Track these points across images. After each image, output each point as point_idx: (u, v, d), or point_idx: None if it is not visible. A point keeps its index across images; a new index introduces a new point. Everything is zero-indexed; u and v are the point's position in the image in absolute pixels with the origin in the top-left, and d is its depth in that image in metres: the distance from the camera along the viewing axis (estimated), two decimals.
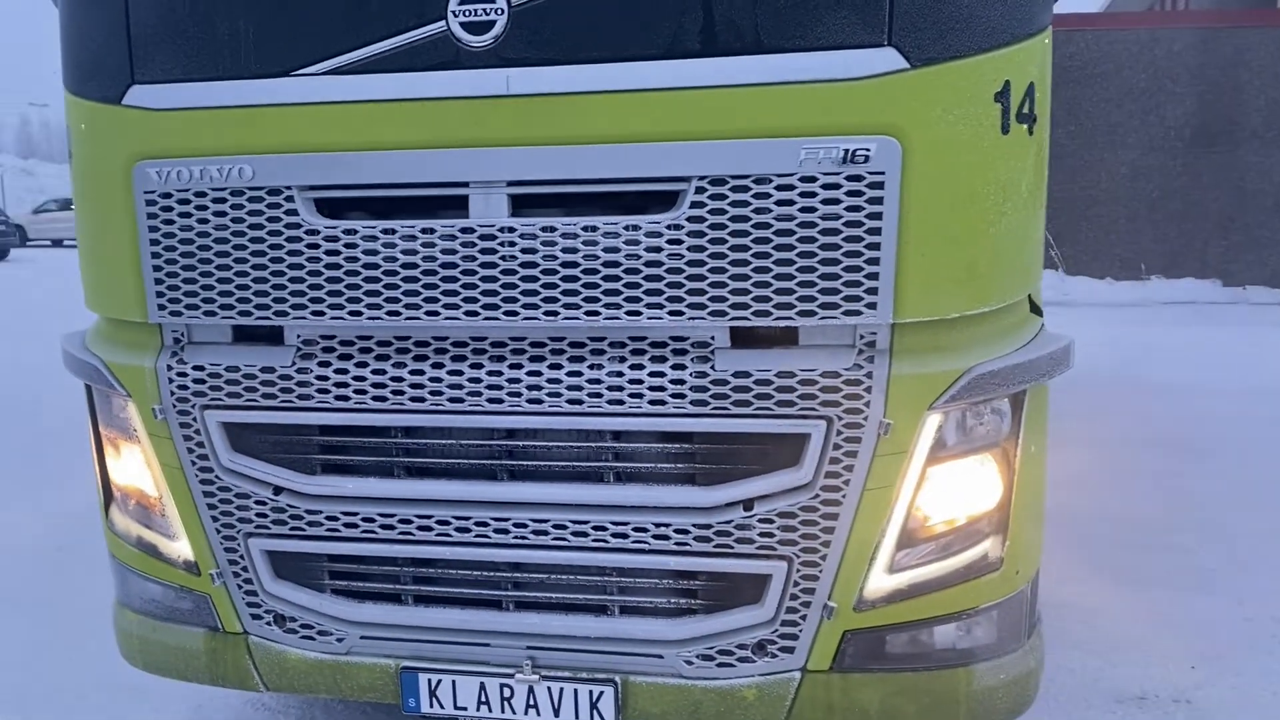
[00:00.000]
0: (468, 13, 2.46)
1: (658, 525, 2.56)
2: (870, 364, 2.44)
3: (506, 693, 2.71)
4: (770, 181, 2.37)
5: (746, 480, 2.52)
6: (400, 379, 2.62)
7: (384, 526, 2.72)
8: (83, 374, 2.91)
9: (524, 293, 2.52)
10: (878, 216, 2.36)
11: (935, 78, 2.34)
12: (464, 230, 2.53)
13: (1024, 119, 2.42)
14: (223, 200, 2.64)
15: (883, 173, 2.34)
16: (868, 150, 2.34)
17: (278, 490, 2.76)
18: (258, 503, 2.77)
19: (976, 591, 2.57)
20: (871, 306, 2.40)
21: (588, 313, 2.50)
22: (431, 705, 2.77)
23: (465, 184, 2.53)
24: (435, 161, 2.54)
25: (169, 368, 2.75)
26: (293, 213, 2.61)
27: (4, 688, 3.83)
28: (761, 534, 2.52)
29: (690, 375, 2.48)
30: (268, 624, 2.87)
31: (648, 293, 2.46)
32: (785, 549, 2.53)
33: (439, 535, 2.69)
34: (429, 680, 2.75)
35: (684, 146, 2.41)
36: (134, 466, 2.91)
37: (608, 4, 2.41)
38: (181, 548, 2.88)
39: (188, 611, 2.94)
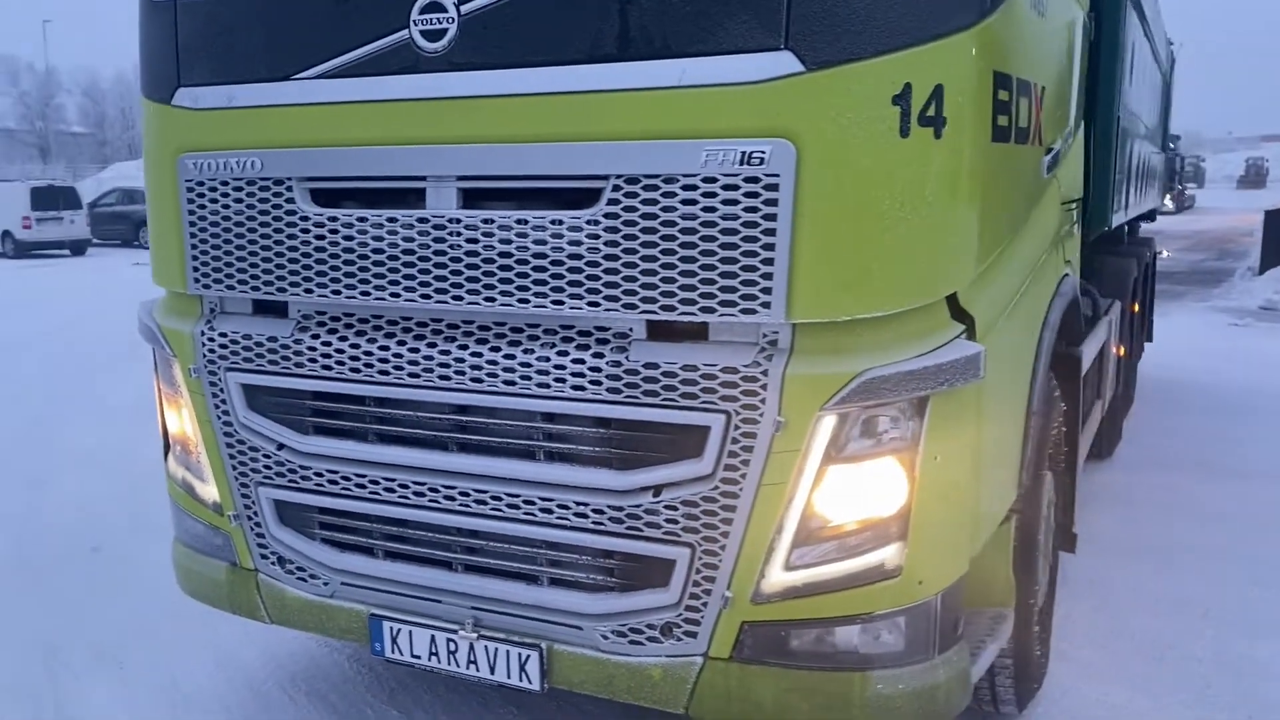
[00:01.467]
0: (426, 21, 2.70)
1: (578, 504, 2.71)
2: (768, 362, 2.48)
3: (452, 647, 2.95)
4: (677, 181, 2.47)
5: (656, 467, 2.63)
6: (371, 354, 2.91)
7: (358, 485, 3.02)
8: (145, 336, 3.39)
9: (468, 279, 2.74)
10: (773, 218, 2.41)
11: (830, 81, 2.36)
12: (420, 220, 2.78)
13: (929, 122, 2.38)
14: (240, 188, 3.02)
15: (777, 175, 2.39)
16: (763, 153, 2.39)
17: (280, 446, 3.12)
18: (265, 456, 3.15)
19: (873, 597, 2.55)
20: (766, 306, 2.45)
21: (520, 300, 2.68)
22: (393, 651, 3.05)
23: (423, 178, 2.78)
24: (400, 157, 2.80)
25: (202, 333, 3.17)
26: (291, 201, 2.95)
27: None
28: (667, 520, 2.62)
29: (607, 364, 2.62)
30: (272, 564, 3.24)
31: (570, 284, 2.62)
32: (688, 536, 2.61)
33: (400, 497, 2.96)
34: (391, 628, 3.03)
35: (602, 146, 2.55)
36: (179, 418, 3.36)
37: (538, 13, 2.59)
38: (210, 491, 3.31)
39: (216, 547, 3.37)
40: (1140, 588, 4.72)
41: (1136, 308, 7.58)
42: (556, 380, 2.68)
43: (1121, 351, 6.41)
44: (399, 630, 3.02)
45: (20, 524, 5.59)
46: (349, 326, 2.98)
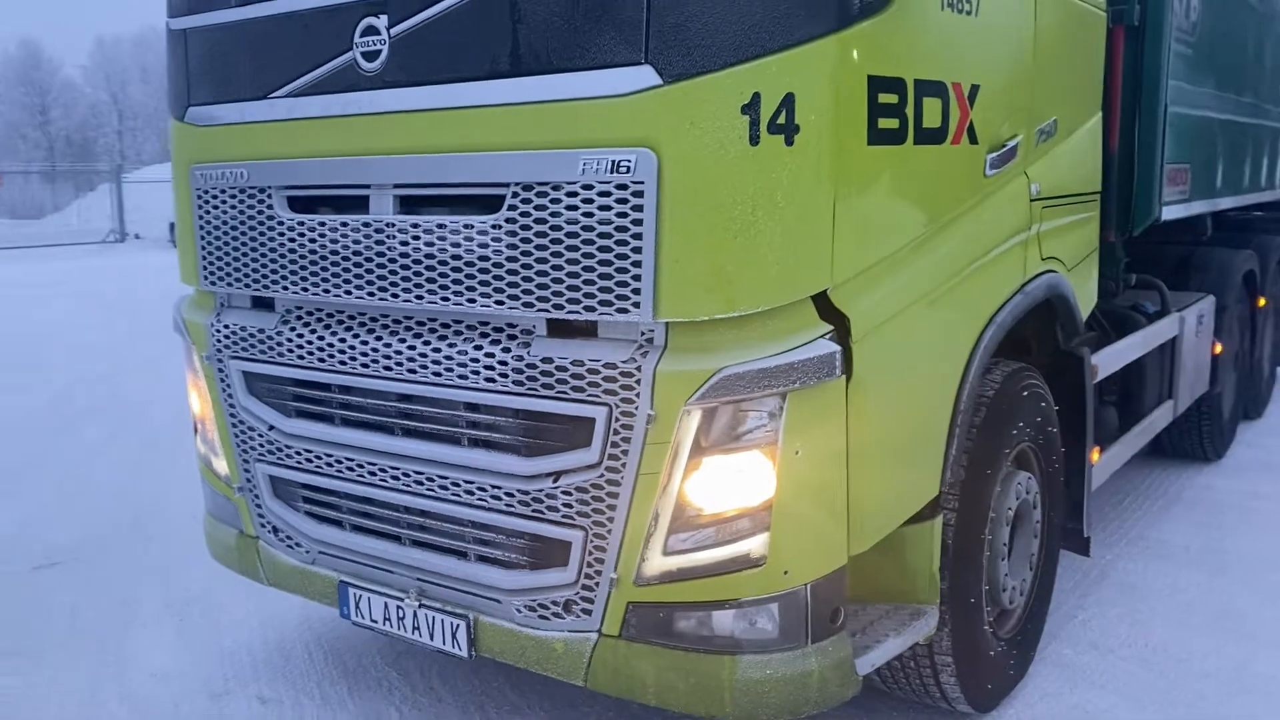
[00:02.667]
0: (365, 44, 2.98)
1: (494, 487, 2.93)
2: (643, 358, 2.63)
3: (400, 614, 3.23)
4: (562, 189, 2.65)
5: (555, 455, 2.81)
6: (333, 345, 3.22)
7: (327, 464, 3.34)
8: (175, 326, 3.83)
9: (402, 278, 3.00)
10: (640, 223, 2.55)
11: (684, 93, 2.48)
12: (365, 225, 3.06)
13: (779, 130, 2.47)
14: (234, 196, 3.39)
15: (642, 183, 2.53)
16: (630, 161, 2.54)
17: (270, 427, 3.48)
18: (259, 435, 3.52)
19: (740, 584, 2.66)
20: (637, 306, 2.60)
21: (442, 298, 2.92)
22: (356, 615, 3.36)
23: (368, 186, 3.06)
24: (349, 167, 3.10)
25: (212, 324, 3.57)
26: (270, 207, 3.29)
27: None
28: (564, 504, 2.81)
29: (513, 358, 2.83)
30: (269, 532, 3.62)
31: (481, 283, 2.84)
32: (581, 520, 2.79)
33: (358, 476, 3.26)
34: (355, 594, 3.34)
35: (502, 156, 2.76)
36: (199, 400, 3.78)
37: (450, 33, 2.81)
38: (222, 465, 3.72)
39: (229, 515, 3.78)
40: (1182, 598, 4.54)
41: (1263, 302, 7.11)
42: (473, 372, 2.90)
43: (1219, 349, 6.06)
44: (360, 596, 3.33)
45: (150, 495, 6.23)
46: (319, 321, 3.30)
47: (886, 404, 2.83)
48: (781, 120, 2.47)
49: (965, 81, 3.00)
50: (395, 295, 3.03)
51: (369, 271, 3.07)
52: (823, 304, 2.66)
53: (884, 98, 2.67)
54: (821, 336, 2.60)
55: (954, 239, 3.06)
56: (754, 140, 2.47)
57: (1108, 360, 4.31)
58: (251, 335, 3.43)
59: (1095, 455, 4.28)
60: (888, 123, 2.70)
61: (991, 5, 3.10)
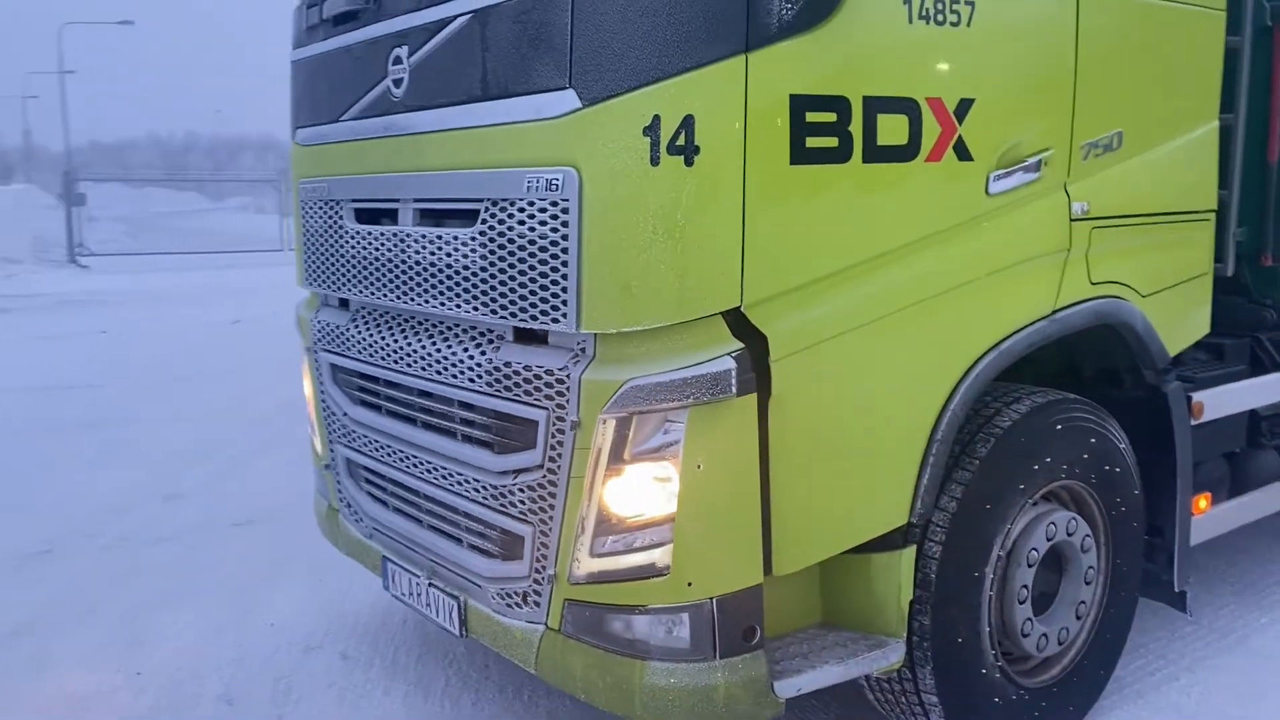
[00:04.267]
0: (395, 72, 3.31)
1: (474, 480, 3.17)
2: (575, 366, 2.77)
3: (418, 590, 3.54)
4: (515, 205, 2.84)
5: (514, 454, 3.01)
6: (377, 341, 3.58)
7: (373, 448, 3.72)
8: (295, 323, 4.37)
9: (416, 284, 3.30)
10: (566, 238, 2.70)
11: (597, 115, 2.60)
12: (394, 235, 3.40)
13: (678, 151, 2.52)
14: (320, 207, 3.85)
15: (568, 200, 2.68)
16: (558, 180, 2.70)
17: (344, 413, 3.92)
18: (338, 419, 3.96)
19: (648, 592, 2.72)
20: (565, 317, 2.74)
21: (440, 303, 3.20)
22: (392, 588, 3.71)
23: (397, 200, 3.39)
24: (387, 184, 3.45)
25: (313, 321, 4.06)
26: (341, 218, 3.71)
27: None
28: (519, 500, 2.99)
29: (485, 360, 3.05)
30: (345, 506, 4.05)
31: (466, 290, 3.08)
32: (531, 517, 2.96)
33: (390, 461, 3.61)
34: (391, 569, 3.69)
35: (476, 174, 2.99)
36: (307, 385, 4.29)
37: (443, 60, 3.08)
38: (318, 443, 4.20)
39: (322, 488, 4.27)
40: None
41: None
42: (460, 372, 3.15)
43: None
44: (395, 571, 3.67)
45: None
46: (374, 320, 3.67)
47: (822, 425, 2.79)
48: (681, 141, 2.53)
49: (949, 96, 2.87)
50: (412, 299, 3.33)
51: (396, 277, 3.40)
52: (740, 322, 2.67)
53: (814, 116, 2.64)
54: (728, 354, 2.61)
55: (934, 259, 2.93)
56: (654, 161, 2.54)
57: (1223, 400, 3.86)
58: (334, 330, 3.87)
59: (1202, 503, 3.86)
60: (821, 141, 2.66)
61: (994, 15, 2.94)
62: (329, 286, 3.84)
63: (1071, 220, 3.24)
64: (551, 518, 2.90)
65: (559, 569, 2.90)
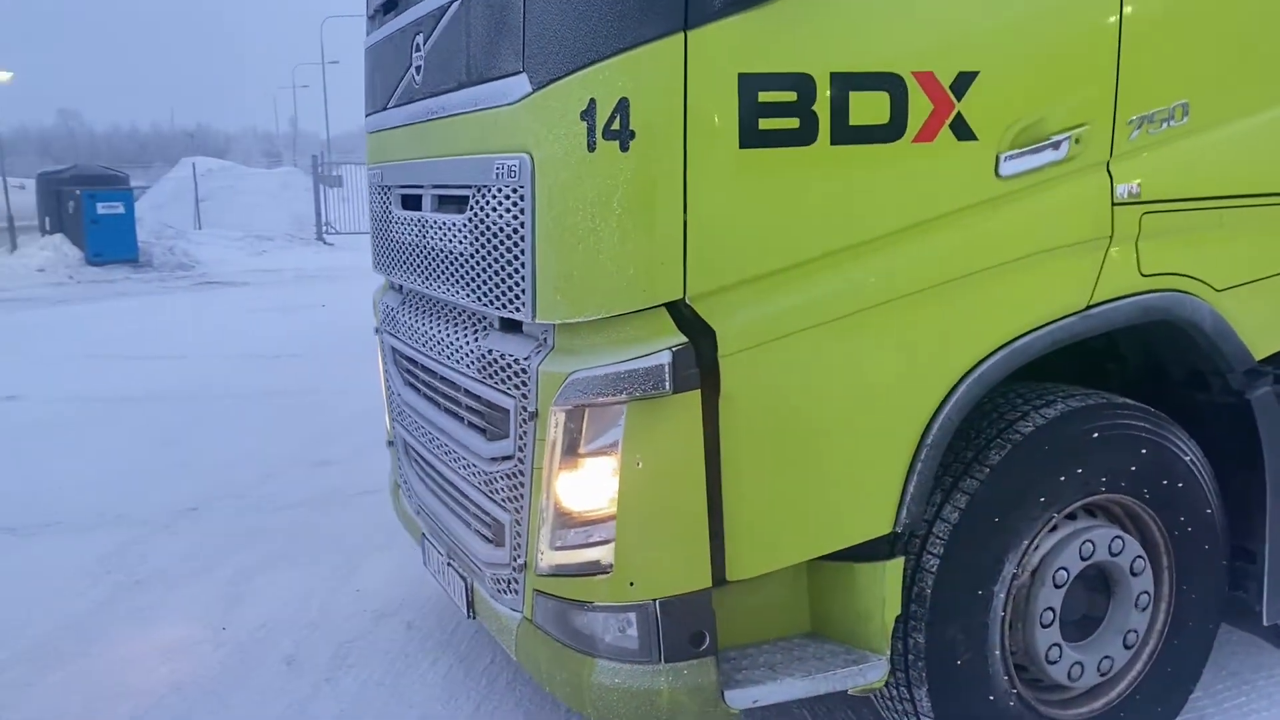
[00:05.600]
0: (416, 59, 3.37)
1: (472, 465, 3.20)
2: (536, 356, 2.74)
3: (441, 569, 3.61)
4: (489, 190, 2.84)
5: (497, 440, 3.01)
6: (415, 325, 3.67)
7: (415, 428, 3.81)
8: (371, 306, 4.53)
9: (431, 267, 3.35)
10: (524, 225, 2.67)
11: (543, 100, 2.55)
12: (418, 221, 3.46)
13: (614, 136, 2.42)
14: (379, 193, 3.98)
15: (524, 186, 2.64)
16: (515, 166, 2.66)
17: (397, 392, 4.04)
18: (395, 398, 4.09)
19: (594, 589, 2.64)
20: (524, 306, 2.71)
21: (447, 288, 3.23)
22: (426, 565, 3.81)
23: (421, 186, 3.45)
24: (411, 170, 3.51)
25: (380, 304, 4.21)
26: (390, 203, 3.82)
27: None
28: (502, 487, 3.00)
29: (475, 346, 3.07)
30: (402, 483, 4.18)
31: (460, 275, 3.10)
32: (509, 505, 2.96)
33: (424, 441, 3.69)
34: (426, 547, 3.79)
35: (463, 160, 3.00)
36: (380, 367, 4.45)
37: (441, 49, 3.11)
38: (387, 423, 4.36)
39: (390, 463, 4.42)
40: None
41: None
42: (460, 357, 3.19)
43: None
44: (428, 549, 3.76)
45: None
46: (417, 303, 3.77)
47: (783, 426, 2.62)
48: (616, 126, 2.42)
49: (943, 69, 2.60)
50: (427, 284, 3.38)
51: (419, 261, 3.46)
52: (687, 315, 2.54)
53: (769, 96, 2.46)
54: (666, 348, 2.49)
55: (926, 249, 2.68)
56: (591, 146, 2.46)
57: None
58: (391, 313, 4.00)
59: None
60: (778, 123, 2.48)
61: None
62: (385, 270, 3.96)
63: (1115, 204, 2.88)
64: (522, 507, 2.88)
65: (529, 559, 2.88)
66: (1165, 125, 2.93)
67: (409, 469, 4.05)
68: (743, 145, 2.47)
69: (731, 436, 2.58)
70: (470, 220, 2.95)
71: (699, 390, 2.52)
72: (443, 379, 3.41)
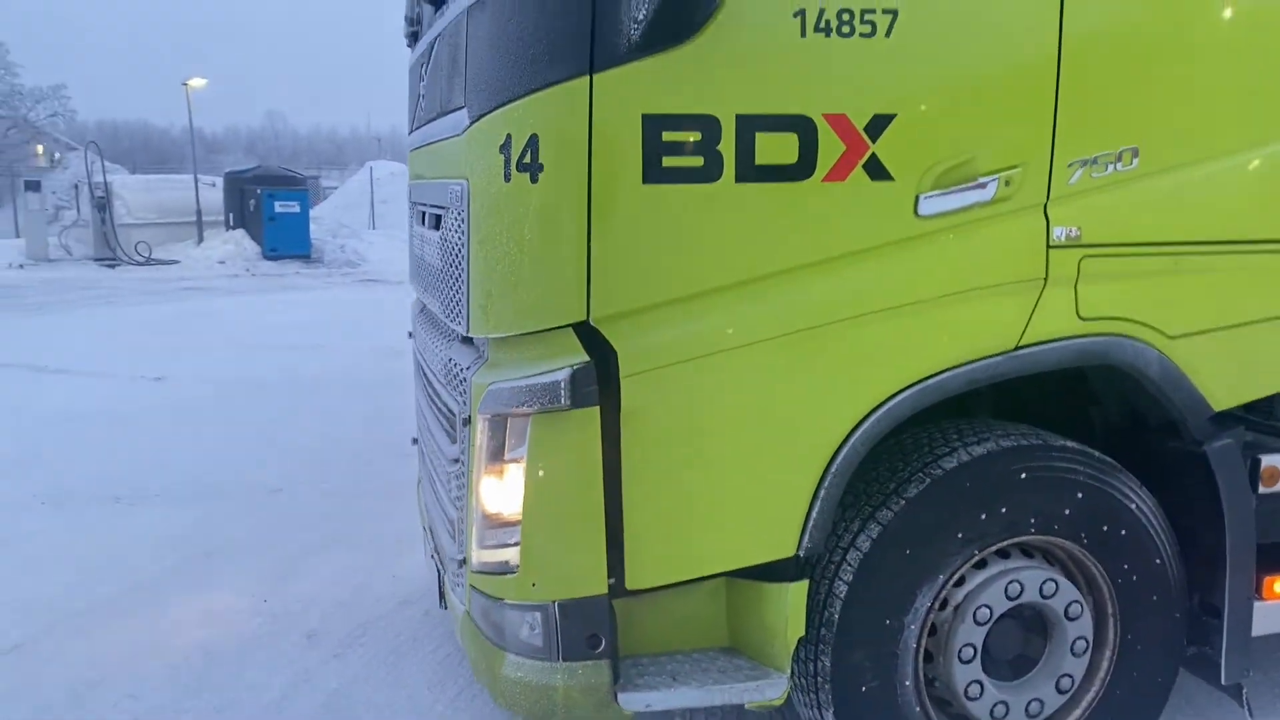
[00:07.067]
0: (421, 88, 3.66)
1: (442, 463, 3.45)
2: (474, 366, 2.97)
3: (435, 558, 3.88)
4: (449, 210, 3.09)
5: (452, 443, 3.25)
6: (420, 331, 3.97)
7: (421, 422, 4.11)
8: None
9: (424, 277, 3.63)
10: (465, 245, 2.90)
11: (475, 133, 2.78)
12: (419, 236, 3.75)
13: (525, 168, 2.62)
14: (411, 208, 4.30)
15: (464, 209, 2.88)
16: (459, 191, 2.91)
17: (417, 394, 4.35)
18: (423, 395, 4.40)
19: (505, 587, 2.84)
20: (461, 319, 2.95)
21: (428, 299, 3.51)
22: (426, 554, 4.09)
23: (424, 204, 3.74)
24: (416, 190, 3.81)
25: (412, 310, 4.54)
26: (411, 217, 4.14)
27: None
28: (454, 486, 3.24)
29: (442, 353, 3.33)
30: (421, 475, 4.49)
31: (434, 288, 3.37)
32: (458, 503, 3.19)
33: (423, 437, 3.98)
34: (425, 539, 4.07)
35: (438, 183, 3.26)
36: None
37: (429, 80, 3.39)
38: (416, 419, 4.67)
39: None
40: None
41: None
42: (434, 362, 3.45)
43: None
44: (426, 539, 4.04)
45: None
46: (424, 312, 4.06)
47: (682, 445, 2.75)
48: (528, 159, 2.62)
49: (857, 112, 2.68)
50: (422, 292, 3.66)
51: (419, 271, 3.75)
52: (595, 335, 2.71)
53: (673, 136, 2.60)
54: (569, 366, 2.67)
55: (836, 284, 2.76)
56: (507, 178, 2.66)
57: None
58: (415, 319, 4.31)
59: (1277, 586, 3.25)
60: (681, 160, 2.62)
61: (927, 24, 2.70)
62: (411, 278, 4.28)
63: (1051, 246, 2.88)
64: (463, 506, 3.11)
65: (467, 555, 3.11)
66: (1111, 169, 2.91)
67: (422, 466, 4.34)
68: (646, 181, 2.62)
69: (633, 453, 2.73)
70: (440, 238, 3.20)
71: (598, 407, 2.69)
72: (430, 383, 3.68)
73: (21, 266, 22.72)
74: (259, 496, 6.48)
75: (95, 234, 23.76)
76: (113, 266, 22.99)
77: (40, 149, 48.22)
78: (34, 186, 24.96)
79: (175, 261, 23.26)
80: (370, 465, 7.15)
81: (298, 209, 23.90)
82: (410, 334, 4.57)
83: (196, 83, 27.49)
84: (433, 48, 3.37)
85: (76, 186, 25.02)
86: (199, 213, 24.40)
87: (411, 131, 4.12)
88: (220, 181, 25.70)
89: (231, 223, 24.39)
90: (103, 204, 23.56)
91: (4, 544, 5.63)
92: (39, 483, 6.75)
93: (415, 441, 4.62)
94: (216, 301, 17.52)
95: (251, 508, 6.27)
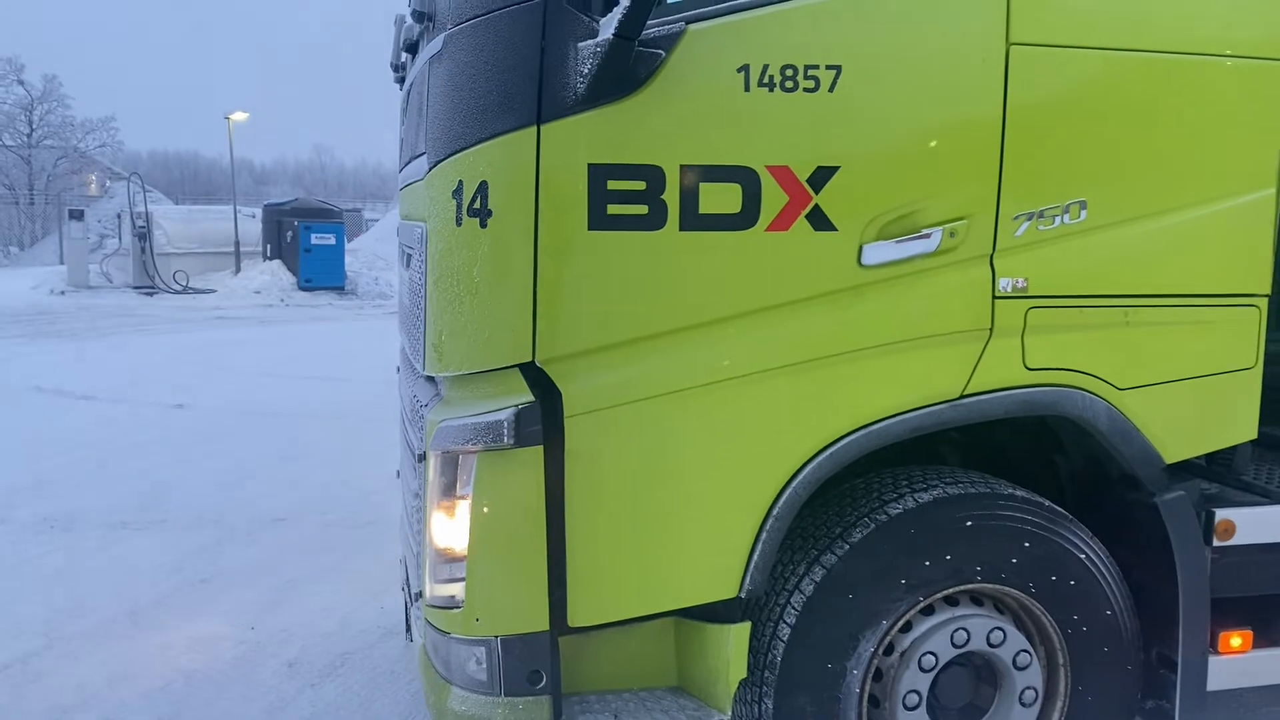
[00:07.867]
0: (402, 132, 3.78)
1: (411, 498, 3.53)
2: (431, 404, 3.05)
3: (405, 591, 3.95)
4: (415, 251, 3.19)
5: (416, 477, 3.33)
6: (402, 366, 4.06)
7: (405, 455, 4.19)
8: None
9: (405, 317, 3.73)
10: (423, 285, 2.99)
11: (432, 178, 2.87)
12: (408, 279, 3.85)
13: (475, 213, 2.70)
14: (399, 246, 4.41)
15: (424, 251, 2.97)
16: (420, 233, 3.00)
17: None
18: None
19: (451, 621, 2.89)
20: (419, 357, 3.04)
21: (404, 337, 3.60)
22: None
23: (410, 246, 3.84)
24: (401, 229, 3.92)
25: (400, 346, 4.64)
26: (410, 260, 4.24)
27: None
28: (416, 520, 3.31)
29: (411, 390, 3.42)
30: None
31: (412, 326, 3.46)
32: (418, 537, 3.26)
33: (406, 472, 4.06)
34: (403, 570, 4.14)
35: (408, 225, 3.37)
36: None
37: (405, 124, 3.50)
38: None
39: None
40: None
41: None
42: (405, 399, 3.54)
43: None
44: (408, 571, 4.11)
45: None
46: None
47: (624, 485, 2.80)
48: (478, 205, 2.71)
49: (800, 164, 2.74)
50: (401, 332, 3.76)
51: (400, 311, 3.85)
52: (538, 377, 2.77)
53: (618, 185, 2.68)
54: (514, 405, 2.73)
55: (777, 331, 2.80)
56: (459, 222, 2.75)
57: (1269, 521, 3.21)
58: (400, 355, 4.41)
59: (1234, 641, 3.23)
60: (626, 209, 2.69)
61: (872, 79, 2.76)
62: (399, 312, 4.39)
63: (997, 297, 2.93)
64: (421, 540, 3.18)
65: (423, 588, 3.17)
66: (1059, 221, 2.95)
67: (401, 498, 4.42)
68: (591, 227, 2.70)
69: (576, 492, 2.79)
70: (409, 277, 3.30)
71: (542, 446, 2.75)
72: (402, 418, 3.77)
73: (62, 293, 23.29)
74: (262, 525, 6.59)
75: (135, 262, 24.31)
76: (150, 294, 23.49)
77: (92, 178, 49.43)
78: (77, 215, 25.62)
79: (212, 290, 23.72)
80: (375, 497, 7.22)
81: (333, 241, 24.32)
82: (398, 369, 4.67)
83: (238, 116, 28.13)
84: (409, 94, 3.49)
85: (119, 215, 25.61)
86: (237, 243, 24.89)
87: (399, 171, 4.24)
88: (260, 213, 26.22)
89: (269, 254, 24.85)
90: (143, 233, 24.11)
91: (7, 566, 5.78)
92: (51, 506, 6.93)
93: (399, 475, 4.71)
94: (247, 331, 17.84)
95: (253, 537, 6.38)
